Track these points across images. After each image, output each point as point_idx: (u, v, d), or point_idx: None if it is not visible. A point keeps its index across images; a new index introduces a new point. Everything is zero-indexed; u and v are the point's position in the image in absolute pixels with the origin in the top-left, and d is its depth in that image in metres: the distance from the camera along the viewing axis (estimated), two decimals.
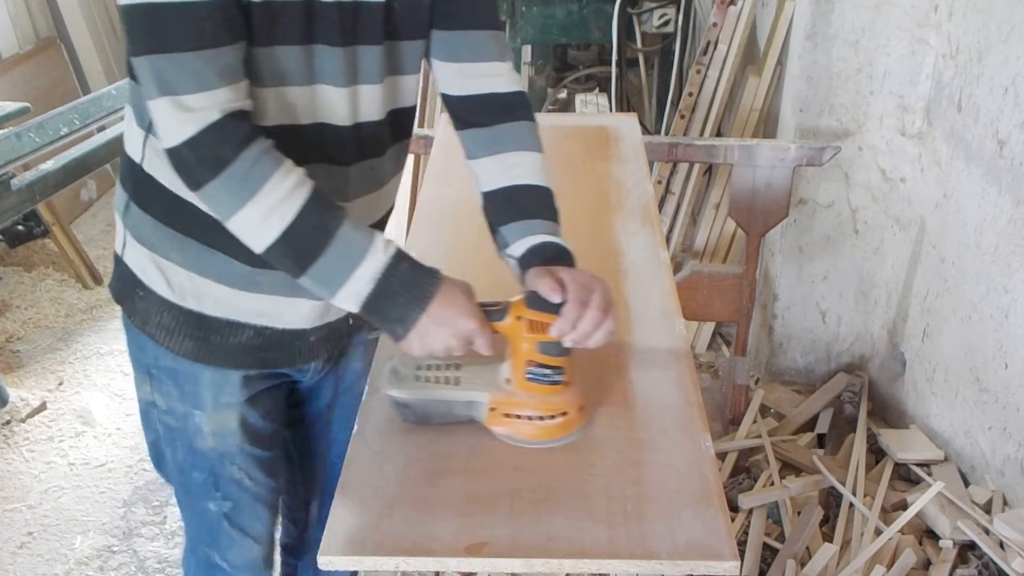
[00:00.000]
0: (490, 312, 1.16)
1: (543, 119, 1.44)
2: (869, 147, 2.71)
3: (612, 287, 1.20)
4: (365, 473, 1.14)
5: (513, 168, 1.30)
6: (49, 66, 4.18)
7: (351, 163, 1.25)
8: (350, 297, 1.12)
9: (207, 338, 1.30)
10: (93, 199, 4.36)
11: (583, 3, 3.93)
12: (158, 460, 1.47)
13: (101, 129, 3.16)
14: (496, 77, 1.33)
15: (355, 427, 1.23)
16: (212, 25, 1.05)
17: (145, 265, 1.29)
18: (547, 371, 1.17)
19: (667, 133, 3.66)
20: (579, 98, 3.17)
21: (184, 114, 1.05)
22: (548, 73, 4.29)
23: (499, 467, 1.15)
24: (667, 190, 3.25)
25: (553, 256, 1.23)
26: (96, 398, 2.99)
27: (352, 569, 1.04)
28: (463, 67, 1.32)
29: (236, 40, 1.08)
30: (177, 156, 1.08)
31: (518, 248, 1.25)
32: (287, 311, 1.30)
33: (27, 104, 3.00)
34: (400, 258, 1.13)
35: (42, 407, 2.93)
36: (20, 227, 3.40)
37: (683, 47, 3.96)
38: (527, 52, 4.12)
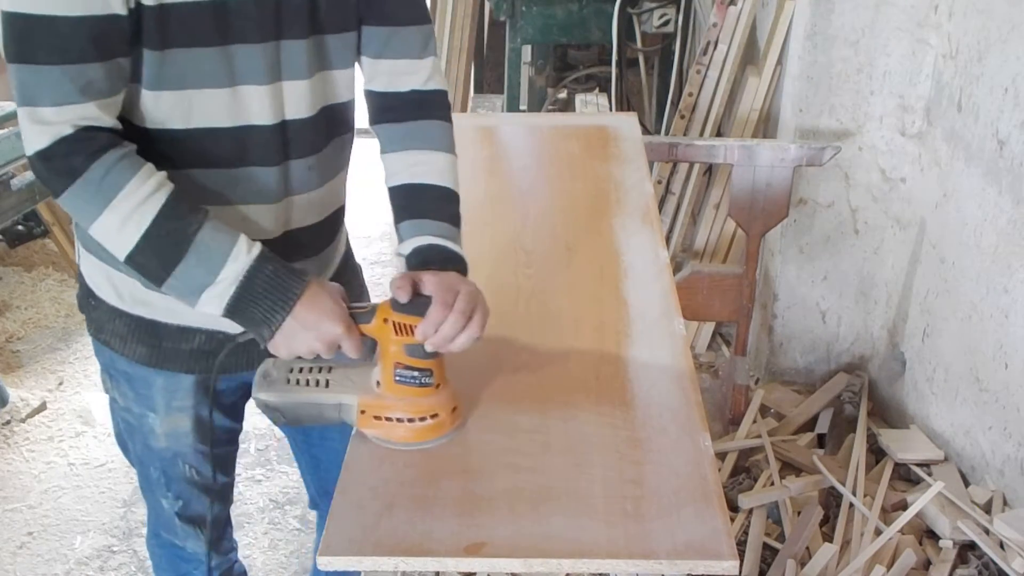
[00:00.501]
0: (357, 315, 1.15)
1: (543, 119, 1.44)
2: (869, 147, 2.71)
3: (479, 292, 1.17)
4: (364, 473, 1.14)
5: (416, 166, 1.30)
6: None
7: (279, 163, 1.24)
8: (213, 300, 1.11)
9: (159, 344, 1.31)
10: None
11: (583, 3, 3.93)
12: (123, 448, 1.52)
13: None
14: (415, 74, 1.32)
15: (354, 428, 1.22)
16: (77, 42, 1.05)
17: (96, 275, 1.31)
18: (415, 373, 1.16)
19: (667, 133, 3.66)
20: (579, 98, 3.17)
21: (39, 126, 1.06)
22: (548, 73, 4.29)
23: (498, 467, 1.15)
24: (667, 190, 3.25)
25: (439, 259, 1.21)
26: (96, 398, 2.99)
27: (352, 569, 1.04)
28: (385, 64, 1.31)
29: (106, 57, 1.07)
30: (33, 166, 1.09)
31: (406, 247, 1.24)
32: None
33: None
34: (264, 260, 1.12)
35: (42, 407, 2.93)
36: (20, 227, 3.40)
37: (683, 47, 3.96)
38: (527, 52, 4.11)
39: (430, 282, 1.13)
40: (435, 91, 1.34)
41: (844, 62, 2.63)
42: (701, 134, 3.17)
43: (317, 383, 1.19)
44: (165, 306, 1.27)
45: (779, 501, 2.34)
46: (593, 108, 2.87)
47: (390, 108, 1.32)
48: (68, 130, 1.06)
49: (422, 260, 1.21)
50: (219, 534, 1.59)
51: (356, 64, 1.31)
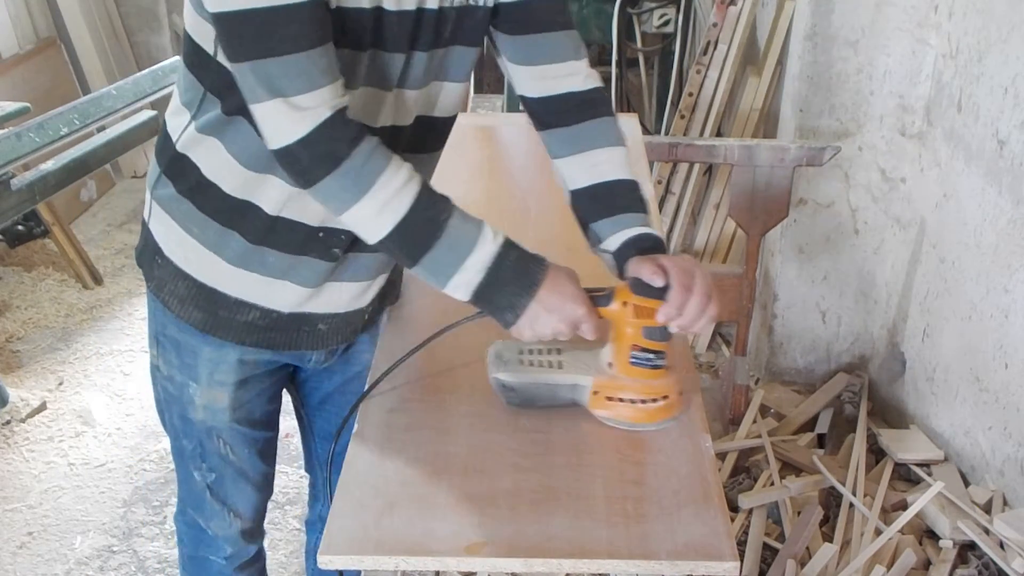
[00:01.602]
0: (596, 298, 1.18)
1: None
2: (869, 147, 2.71)
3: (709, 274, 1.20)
4: (365, 472, 1.14)
5: (598, 165, 1.31)
6: (49, 66, 4.18)
7: None
8: (461, 287, 1.15)
9: (215, 311, 1.33)
10: (93, 199, 4.36)
11: (583, 3, 3.93)
12: (161, 417, 1.53)
13: (101, 129, 3.16)
14: (573, 76, 1.33)
15: (355, 427, 1.23)
16: (313, 26, 1.07)
17: (167, 235, 1.32)
18: (650, 355, 1.20)
19: (667, 133, 3.66)
20: None
21: (297, 113, 1.07)
22: None
23: (499, 467, 1.15)
24: (667, 190, 3.25)
25: (648, 246, 1.24)
26: (96, 398, 2.99)
27: (352, 568, 1.04)
28: (539, 69, 1.32)
29: (328, 40, 1.09)
30: (289, 155, 1.10)
31: (613, 242, 1.26)
32: (290, 296, 1.32)
33: (27, 104, 3.00)
34: (509, 246, 1.16)
35: (42, 407, 2.93)
36: (20, 227, 3.39)
37: (683, 47, 3.96)
38: None
39: (669, 265, 1.17)
40: (594, 89, 1.35)
41: (844, 62, 2.63)
42: (701, 134, 3.17)
43: (551, 364, 1.23)
44: (227, 277, 1.30)
45: (779, 501, 2.34)
46: None
47: (555, 112, 1.34)
48: (327, 113, 1.08)
49: (637, 250, 1.24)
50: (251, 526, 1.61)
51: (467, 79, 1.33)
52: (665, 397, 1.22)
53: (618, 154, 1.33)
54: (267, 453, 1.57)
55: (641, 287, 1.17)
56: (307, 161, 1.10)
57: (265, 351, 1.39)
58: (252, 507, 1.59)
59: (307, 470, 1.79)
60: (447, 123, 1.35)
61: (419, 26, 1.19)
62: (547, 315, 1.16)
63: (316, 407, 1.63)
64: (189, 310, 1.34)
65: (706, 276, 1.18)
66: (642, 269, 1.18)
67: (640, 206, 1.30)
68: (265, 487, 1.60)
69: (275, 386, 1.51)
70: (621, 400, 1.21)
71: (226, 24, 1.07)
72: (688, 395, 1.26)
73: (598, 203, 1.30)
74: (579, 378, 1.22)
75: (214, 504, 1.54)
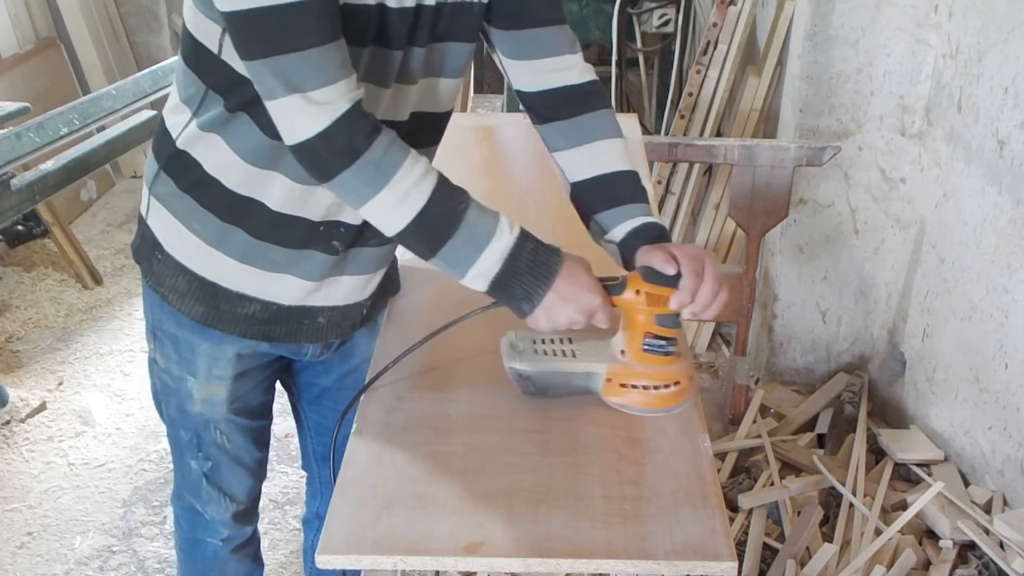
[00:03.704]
0: (609, 287, 1.20)
1: None
2: (869, 147, 2.71)
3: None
4: (363, 472, 1.14)
5: (599, 157, 1.33)
6: (49, 66, 4.18)
7: None
8: (478, 277, 1.16)
9: (217, 305, 1.34)
10: (93, 199, 4.36)
11: (583, 3, 3.94)
12: (157, 406, 1.55)
13: (101, 129, 3.16)
14: (569, 70, 1.35)
15: (353, 426, 1.23)
16: (326, 21, 1.08)
17: (167, 231, 1.33)
18: (663, 342, 1.22)
19: (667, 133, 3.66)
20: None
21: (315, 107, 1.08)
22: None
23: (497, 467, 1.15)
24: (667, 190, 3.25)
25: (654, 236, 1.26)
26: (96, 398, 2.99)
27: (350, 568, 1.04)
28: (535, 64, 1.34)
29: (341, 35, 1.11)
30: (309, 149, 1.11)
31: (618, 233, 1.28)
32: (291, 289, 1.33)
33: (27, 104, 2.99)
34: (525, 237, 1.17)
35: (42, 407, 2.93)
36: (20, 227, 3.40)
37: (683, 47, 3.96)
38: None
39: (678, 253, 1.19)
40: (590, 82, 1.36)
41: (844, 62, 2.63)
42: (701, 134, 3.17)
43: (564, 353, 1.25)
44: (229, 271, 1.31)
45: (779, 501, 2.34)
46: None
47: (552, 106, 1.35)
48: (346, 106, 1.09)
49: (643, 240, 1.25)
50: (245, 508, 1.64)
51: (462, 75, 1.34)
52: (677, 383, 1.24)
53: (617, 145, 1.34)
54: (261, 440, 1.60)
55: (653, 275, 1.19)
56: (326, 155, 1.11)
57: (263, 343, 1.40)
58: (246, 491, 1.61)
59: (303, 467, 1.80)
60: (443, 118, 1.36)
61: (417, 21, 1.20)
62: (563, 304, 1.17)
63: (312, 402, 1.65)
64: (190, 304, 1.35)
65: (715, 263, 1.20)
66: (653, 257, 1.19)
67: (642, 196, 1.32)
68: (259, 472, 1.63)
69: (271, 378, 1.53)
70: (634, 387, 1.23)
71: (240, 22, 1.08)
72: (698, 380, 1.28)
73: (600, 195, 1.32)
74: (593, 366, 1.24)
75: (210, 490, 1.57)
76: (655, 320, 1.20)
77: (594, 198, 1.32)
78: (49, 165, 2.89)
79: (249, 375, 1.46)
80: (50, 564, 2.37)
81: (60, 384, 3.08)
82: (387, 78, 1.22)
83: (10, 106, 2.97)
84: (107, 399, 3.00)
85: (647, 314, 1.20)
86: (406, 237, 1.16)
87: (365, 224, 1.26)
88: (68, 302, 3.56)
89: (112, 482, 2.64)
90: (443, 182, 1.16)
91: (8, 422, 2.85)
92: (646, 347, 1.22)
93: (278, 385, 1.61)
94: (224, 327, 1.36)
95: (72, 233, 3.66)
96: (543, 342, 1.26)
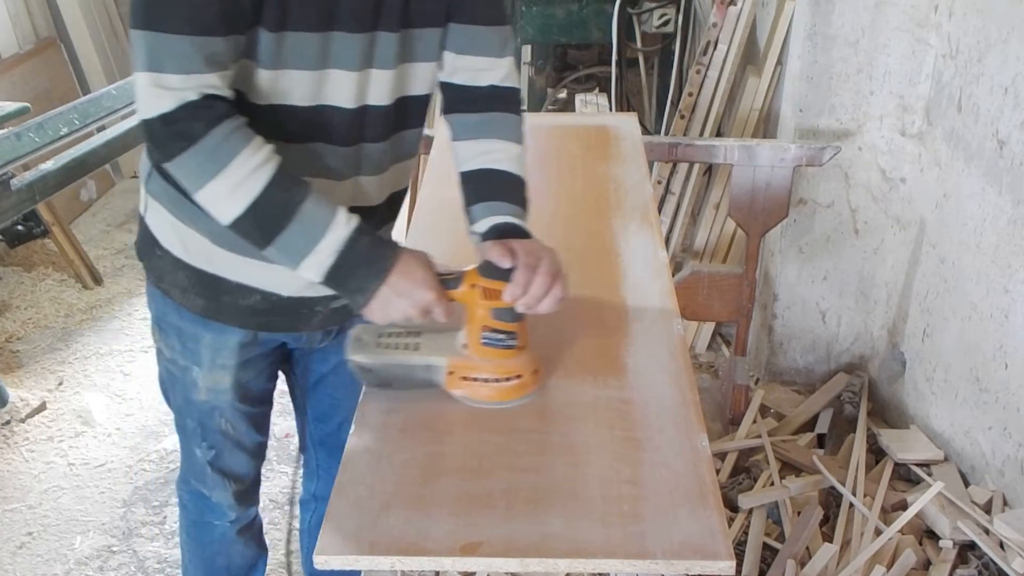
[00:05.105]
0: (446, 281, 1.22)
1: (543, 119, 1.45)
2: (869, 147, 2.71)
3: (559, 258, 1.24)
4: (361, 472, 1.14)
5: (492, 153, 1.36)
6: (49, 66, 4.18)
7: (349, 144, 1.30)
8: (313, 268, 1.18)
9: (218, 298, 1.38)
10: (93, 199, 4.36)
11: (583, 3, 3.93)
12: (165, 396, 1.60)
13: (101, 129, 3.16)
14: (494, 71, 1.38)
15: (352, 427, 1.23)
16: (208, 13, 1.10)
17: (164, 228, 1.36)
18: (501, 336, 1.23)
19: (667, 133, 3.66)
20: (579, 98, 3.17)
21: (163, 90, 1.11)
22: (548, 73, 4.29)
23: (495, 467, 1.15)
24: (667, 190, 3.25)
25: (514, 237, 1.28)
26: (96, 398, 2.99)
27: (349, 568, 1.04)
28: (466, 59, 1.37)
29: (229, 32, 1.13)
30: (150, 128, 1.14)
31: (482, 225, 1.31)
32: (291, 280, 1.34)
33: (27, 104, 3.00)
34: (361, 232, 1.19)
35: (42, 407, 2.93)
36: (20, 227, 3.40)
37: (683, 47, 3.96)
38: (527, 52, 4.11)
39: (516, 247, 1.21)
40: (511, 88, 1.40)
41: (844, 62, 2.63)
42: (701, 134, 3.17)
43: (407, 347, 1.26)
44: (228, 263, 1.34)
45: (779, 501, 2.34)
46: (593, 108, 2.87)
47: (467, 100, 1.39)
48: (193, 96, 1.12)
49: (499, 236, 1.27)
50: (247, 489, 1.69)
51: (437, 59, 1.37)
52: (519, 376, 1.25)
53: (512, 149, 1.37)
54: (263, 425, 1.64)
55: (489, 269, 1.21)
56: (164, 136, 1.14)
57: (264, 332, 1.44)
58: (247, 471, 1.66)
59: (300, 450, 1.85)
60: (425, 100, 1.39)
61: (381, 6, 1.22)
62: (397, 299, 1.19)
63: (310, 388, 1.68)
64: (191, 298, 1.38)
65: (555, 258, 1.22)
66: (491, 252, 1.21)
67: (517, 200, 1.34)
68: (259, 454, 1.68)
69: (273, 366, 1.57)
70: (475, 380, 1.24)
71: None
72: (543, 374, 1.29)
73: (479, 187, 1.35)
74: (434, 359, 1.25)
75: (215, 476, 1.61)
76: (491, 313, 1.22)
77: (473, 189, 1.35)
78: (49, 165, 2.89)
79: (252, 363, 1.49)
80: (50, 564, 2.37)
81: (60, 384, 3.08)
82: (354, 62, 1.24)
83: (10, 106, 2.97)
84: (107, 399, 3.00)
85: (484, 308, 1.22)
86: (241, 225, 1.17)
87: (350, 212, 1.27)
88: (68, 302, 3.56)
89: (112, 482, 2.64)
90: (282, 173, 1.17)
91: (8, 422, 2.85)
92: (485, 340, 1.23)
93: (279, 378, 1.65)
94: (225, 319, 1.40)
95: (72, 233, 3.66)
96: (389, 335, 1.28)
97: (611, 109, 3.59)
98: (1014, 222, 2.16)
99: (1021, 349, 2.15)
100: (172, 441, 2.72)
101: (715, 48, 3.12)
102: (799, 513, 2.30)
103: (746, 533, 2.27)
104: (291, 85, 1.22)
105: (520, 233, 1.29)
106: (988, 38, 2.25)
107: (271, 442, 2.77)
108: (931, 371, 2.57)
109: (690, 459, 1.16)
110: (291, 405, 1.80)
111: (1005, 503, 2.22)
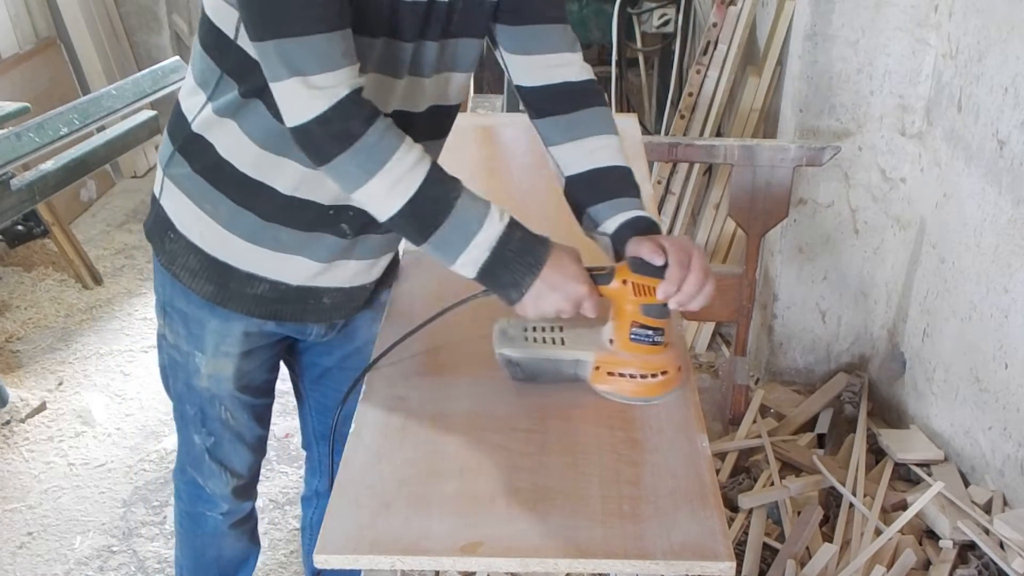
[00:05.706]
0: (597, 276, 1.22)
1: None
2: (869, 147, 2.71)
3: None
4: (361, 472, 1.14)
5: (595, 152, 1.35)
6: (49, 66, 4.18)
7: None
8: (468, 264, 1.19)
9: (227, 284, 1.38)
10: (93, 199, 4.36)
11: (583, 3, 3.93)
12: (164, 382, 1.59)
13: (101, 129, 3.16)
14: (568, 67, 1.37)
15: (352, 426, 1.23)
16: (333, 10, 1.11)
17: (180, 211, 1.37)
18: (649, 332, 1.24)
19: (667, 133, 3.66)
20: None
21: (315, 91, 1.11)
22: None
23: (495, 467, 1.15)
24: (667, 190, 3.25)
25: (645, 228, 1.28)
26: (96, 398, 2.99)
27: (349, 568, 1.04)
28: (536, 59, 1.37)
29: (347, 25, 1.14)
30: (306, 133, 1.14)
31: (610, 225, 1.30)
32: (298, 269, 1.36)
33: (27, 104, 3.00)
34: (514, 226, 1.19)
35: (42, 407, 2.93)
36: (20, 227, 3.39)
37: (683, 47, 3.96)
38: None
39: (667, 244, 1.20)
40: (588, 80, 1.39)
41: (844, 62, 2.63)
42: (701, 134, 3.17)
43: (554, 341, 1.27)
44: (239, 252, 1.35)
45: (779, 501, 2.34)
46: None
47: (551, 101, 1.37)
48: (344, 92, 1.12)
49: (633, 232, 1.27)
50: (245, 483, 1.68)
51: (472, 70, 1.37)
52: (664, 372, 1.25)
53: (613, 141, 1.36)
54: (264, 418, 1.63)
55: (640, 266, 1.20)
56: (322, 139, 1.13)
57: (270, 322, 1.44)
58: (247, 466, 1.65)
59: (303, 446, 1.85)
60: (454, 110, 1.40)
61: (430, 15, 1.23)
62: (550, 293, 1.19)
63: (314, 381, 1.68)
64: (200, 283, 1.39)
65: (703, 255, 1.22)
66: (641, 248, 1.21)
67: (635, 191, 1.34)
68: (260, 448, 1.67)
69: (276, 357, 1.57)
70: (622, 375, 1.25)
71: (251, 4, 1.12)
72: (687, 370, 1.30)
73: (594, 188, 1.34)
74: (581, 354, 1.26)
75: (212, 465, 1.60)
76: (641, 310, 1.22)
77: (588, 192, 1.34)
78: (49, 165, 2.89)
79: (255, 353, 1.49)
80: (50, 564, 2.37)
81: (60, 384, 3.08)
82: (400, 69, 1.25)
83: (10, 106, 2.97)
84: (107, 399, 3.00)
85: (634, 304, 1.22)
86: (398, 222, 1.18)
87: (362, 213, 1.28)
88: (68, 302, 3.55)
89: (112, 482, 2.64)
90: (436, 169, 1.18)
91: (8, 422, 2.85)
92: (633, 336, 1.24)
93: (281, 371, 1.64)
94: (233, 306, 1.40)
95: (72, 233, 3.66)
96: (534, 329, 1.28)
97: (611, 109, 3.59)
98: (1014, 222, 2.16)
99: (1021, 349, 2.15)
100: (172, 441, 2.71)
101: (715, 48, 3.12)
102: (799, 513, 2.30)
103: (746, 533, 2.27)
104: None
105: (652, 225, 1.29)
106: (988, 38, 2.25)
107: (271, 442, 2.78)
108: (931, 371, 2.57)
109: (690, 459, 1.16)
110: (292, 405, 1.79)
111: (1005, 503, 2.22)
